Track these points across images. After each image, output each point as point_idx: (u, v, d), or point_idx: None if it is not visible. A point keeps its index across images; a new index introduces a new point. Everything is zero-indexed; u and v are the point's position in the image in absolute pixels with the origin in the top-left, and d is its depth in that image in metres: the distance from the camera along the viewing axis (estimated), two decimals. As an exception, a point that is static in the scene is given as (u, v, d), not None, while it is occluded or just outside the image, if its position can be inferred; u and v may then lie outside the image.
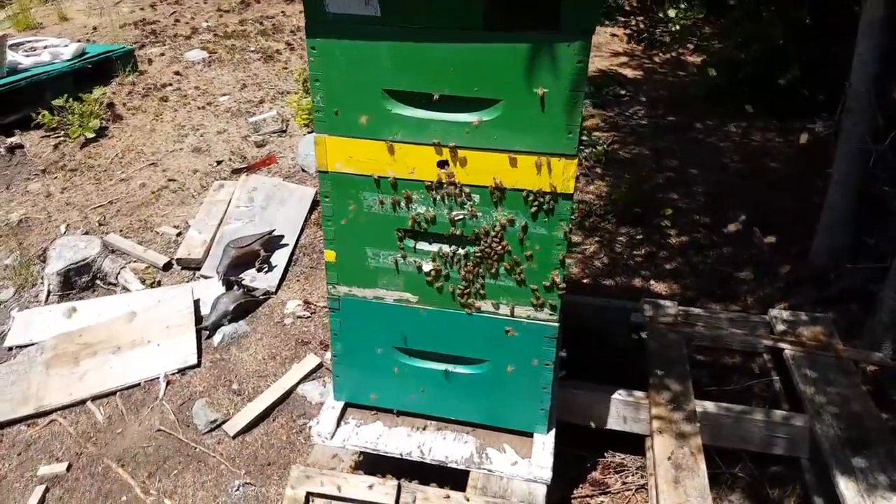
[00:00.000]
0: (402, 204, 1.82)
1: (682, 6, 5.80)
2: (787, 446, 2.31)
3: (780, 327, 2.71)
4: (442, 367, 2.03)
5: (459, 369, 2.03)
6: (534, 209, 1.75)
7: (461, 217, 1.81)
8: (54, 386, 2.80)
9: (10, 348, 3.03)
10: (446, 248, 1.87)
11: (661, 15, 5.87)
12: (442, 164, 1.75)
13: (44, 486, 2.46)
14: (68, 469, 2.52)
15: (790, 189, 3.92)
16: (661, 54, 5.90)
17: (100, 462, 2.54)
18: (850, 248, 3.21)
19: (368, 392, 2.13)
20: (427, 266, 1.89)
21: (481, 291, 1.90)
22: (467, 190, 1.77)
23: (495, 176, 1.73)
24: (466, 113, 1.69)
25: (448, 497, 1.93)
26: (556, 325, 1.91)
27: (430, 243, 1.88)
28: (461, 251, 1.86)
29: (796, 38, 4.58)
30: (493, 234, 1.81)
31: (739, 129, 4.68)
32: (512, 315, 1.91)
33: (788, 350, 2.60)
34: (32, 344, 3.00)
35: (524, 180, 1.72)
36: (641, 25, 6.26)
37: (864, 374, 2.73)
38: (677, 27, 5.33)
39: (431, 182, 1.78)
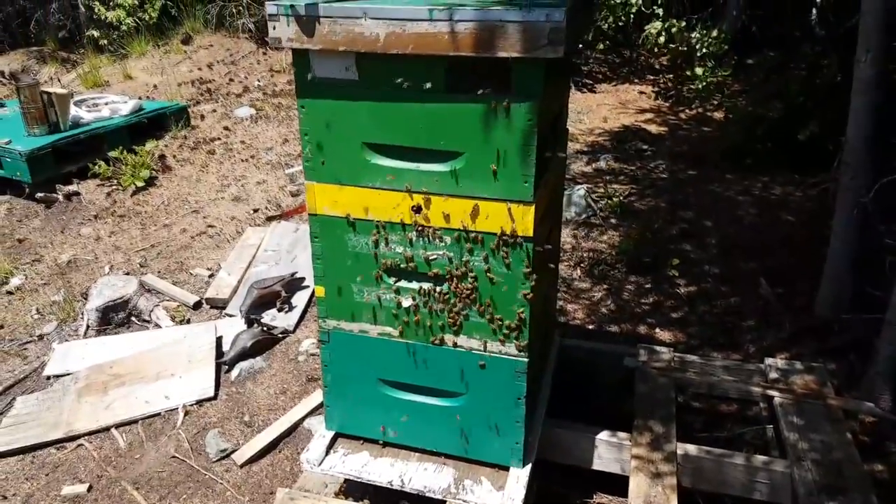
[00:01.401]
0: (382, 244, 2.00)
1: (710, 64, 5.96)
2: (768, 492, 2.34)
3: (773, 375, 2.76)
4: (422, 399, 2.17)
5: (438, 402, 2.17)
6: (497, 251, 1.91)
7: (435, 257, 1.98)
8: (84, 413, 3.03)
9: (49, 377, 3.29)
10: (423, 286, 2.03)
11: (688, 73, 6.02)
12: (416, 208, 1.93)
13: (66, 505, 2.67)
14: (89, 490, 2.72)
15: (802, 241, 3.96)
16: (687, 111, 6.02)
17: (118, 484, 2.74)
18: (853, 299, 3.23)
19: (357, 422, 2.28)
20: (406, 302, 2.06)
21: (455, 327, 2.05)
22: (439, 232, 1.94)
23: (462, 220, 1.90)
24: (435, 163, 1.87)
25: (422, 523, 2.05)
26: (526, 360, 2.03)
27: (409, 281, 2.05)
28: (437, 289, 2.02)
29: (817, 94, 4.66)
30: (462, 273, 1.96)
31: (759, 184, 4.75)
32: (484, 350, 2.05)
33: (778, 397, 2.64)
34: (68, 374, 3.26)
35: (488, 224, 1.89)
36: (669, 83, 6.41)
37: (861, 425, 2.75)
38: (702, 84, 5.47)
39: (407, 225, 1.96)
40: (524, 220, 1.85)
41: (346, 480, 2.22)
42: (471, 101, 1.77)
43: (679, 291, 3.66)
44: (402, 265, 2.01)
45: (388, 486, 2.18)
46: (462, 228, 1.91)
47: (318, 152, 1.96)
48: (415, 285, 2.04)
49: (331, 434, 2.33)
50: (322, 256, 2.08)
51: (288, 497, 2.10)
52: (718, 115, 5.88)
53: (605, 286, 3.72)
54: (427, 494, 2.15)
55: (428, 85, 1.78)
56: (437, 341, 2.08)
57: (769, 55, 5.59)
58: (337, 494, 2.15)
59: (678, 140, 5.46)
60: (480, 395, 2.11)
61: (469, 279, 1.97)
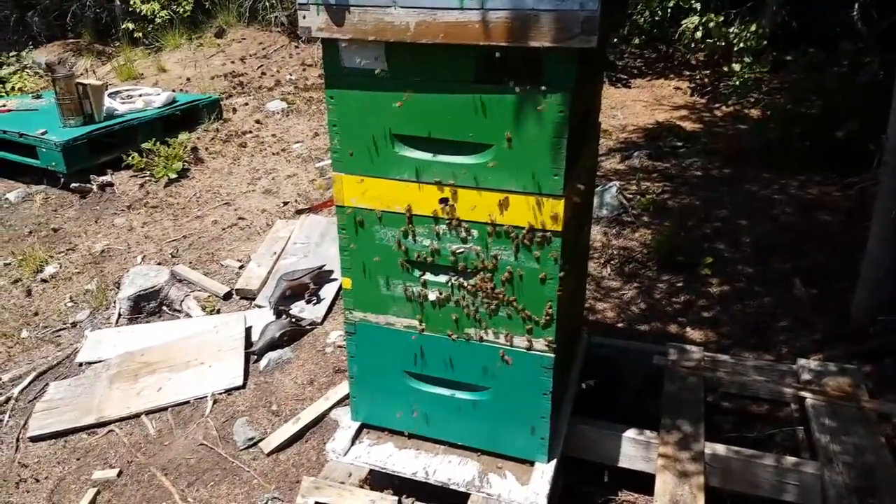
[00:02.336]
0: (409, 237, 1.99)
1: (747, 60, 5.84)
2: (797, 494, 2.29)
3: (806, 376, 2.70)
4: (448, 392, 2.17)
5: (463, 395, 2.16)
6: (526, 245, 1.89)
7: (462, 251, 1.97)
8: (115, 399, 3.08)
9: (81, 364, 3.35)
10: (450, 279, 2.02)
11: (725, 69, 5.91)
12: (443, 201, 1.92)
13: (95, 490, 2.70)
14: (119, 475, 2.77)
15: (838, 242, 3.87)
16: (722, 108, 5.92)
17: (147, 470, 2.78)
18: (891, 302, 3.15)
19: (382, 413, 2.28)
20: (432, 295, 2.05)
21: (482, 321, 2.03)
22: (466, 225, 1.93)
23: (490, 213, 1.89)
24: (464, 156, 1.86)
25: (445, 516, 2.04)
26: (552, 356, 2.02)
27: (436, 274, 2.04)
28: (463, 282, 2.01)
29: (855, 92, 4.55)
30: (489, 267, 1.95)
31: (796, 183, 4.65)
32: (510, 345, 2.04)
33: (810, 399, 2.59)
34: (100, 361, 3.31)
35: (516, 218, 1.87)
36: (706, 79, 6.31)
37: (895, 429, 2.69)
38: (739, 81, 5.36)
39: (434, 217, 1.95)
40: (553, 215, 1.83)
41: (370, 471, 2.22)
42: (501, 92, 1.75)
43: (711, 291, 3.61)
44: (428, 258, 2.00)
45: (413, 477, 2.18)
46: (490, 222, 1.90)
47: (346, 144, 1.95)
48: (441, 278, 2.03)
49: (356, 425, 2.33)
50: (349, 248, 2.08)
51: (313, 486, 2.11)
52: (755, 112, 5.78)
53: (635, 284, 3.68)
54: (451, 487, 2.14)
55: (457, 75, 1.76)
56: (463, 335, 2.07)
57: (809, 51, 5.46)
58: (361, 485, 2.15)
59: (713, 137, 5.38)
60: (506, 390, 2.10)
61: (496, 273, 1.95)
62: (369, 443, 2.29)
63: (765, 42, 5.76)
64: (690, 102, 6.12)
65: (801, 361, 2.80)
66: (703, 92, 6.25)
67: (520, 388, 2.08)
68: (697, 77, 6.56)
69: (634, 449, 2.42)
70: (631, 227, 4.20)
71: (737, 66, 5.74)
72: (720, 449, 2.36)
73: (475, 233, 1.93)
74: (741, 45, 5.72)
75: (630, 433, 2.43)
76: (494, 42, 1.67)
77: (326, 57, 1.88)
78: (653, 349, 2.91)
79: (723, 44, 5.82)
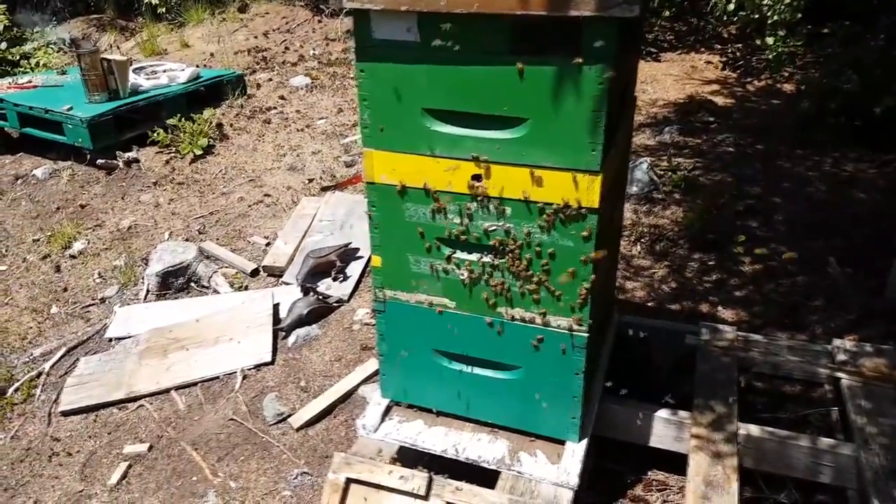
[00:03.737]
0: (440, 214, 1.96)
1: (781, 33, 5.68)
2: (833, 475, 2.25)
3: (841, 357, 2.65)
4: (478, 371, 2.15)
5: (494, 374, 2.14)
6: (561, 222, 1.85)
7: (494, 228, 1.93)
8: (144, 375, 3.11)
9: (111, 340, 3.38)
10: (482, 257, 1.99)
11: (758, 42, 5.76)
12: (476, 177, 1.89)
13: (127, 463, 2.74)
14: (149, 449, 2.79)
15: (874, 221, 3.77)
16: (755, 82, 5.78)
17: (177, 445, 2.80)
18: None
19: (410, 391, 2.27)
20: (463, 273, 2.02)
21: (513, 300, 2.00)
22: (499, 202, 1.89)
23: (524, 190, 1.85)
24: (497, 130, 1.82)
25: (476, 494, 2.03)
26: (586, 335, 1.98)
27: (467, 252, 2.01)
28: (495, 261, 1.98)
29: (894, 67, 4.41)
30: (523, 245, 1.91)
31: (831, 160, 4.54)
32: (543, 324, 2.01)
33: (845, 380, 2.54)
34: (129, 336, 3.34)
35: (551, 194, 1.83)
36: (738, 53, 6.17)
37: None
38: (773, 54, 5.22)
39: (466, 194, 1.91)
40: (590, 191, 1.79)
41: (399, 448, 2.22)
42: (538, 63, 1.70)
43: (744, 270, 3.54)
44: (460, 236, 1.97)
45: (442, 454, 2.17)
46: (524, 199, 1.86)
47: (376, 118, 1.92)
48: (473, 256, 2.00)
49: (386, 402, 2.32)
50: (379, 225, 2.06)
51: (344, 462, 2.11)
52: (789, 86, 5.64)
53: (666, 263, 3.62)
54: (481, 464, 2.13)
55: (492, 47, 1.72)
56: (494, 314, 2.04)
57: (845, 24, 5.29)
58: (392, 461, 2.14)
59: (746, 112, 5.25)
60: (538, 369, 2.07)
61: (529, 251, 1.92)
62: (399, 420, 2.28)
63: (799, 15, 5.59)
64: (722, 77, 5.98)
65: (836, 342, 2.74)
66: (735, 66, 6.10)
67: (552, 368, 2.05)
68: (729, 51, 6.40)
69: (666, 429, 2.39)
70: (661, 204, 4.13)
71: (770, 40, 5.58)
72: (754, 430, 2.32)
73: (508, 210, 1.90)
74: (775, 17, 5.57)
75: (662, 413, 2.39)
76: (532, 11, 1.62)
77: (357, 28, 1.83)
78: (685, 328, 2.86)
79: (756, 16, 5.66)
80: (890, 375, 2.52)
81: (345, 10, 2.12)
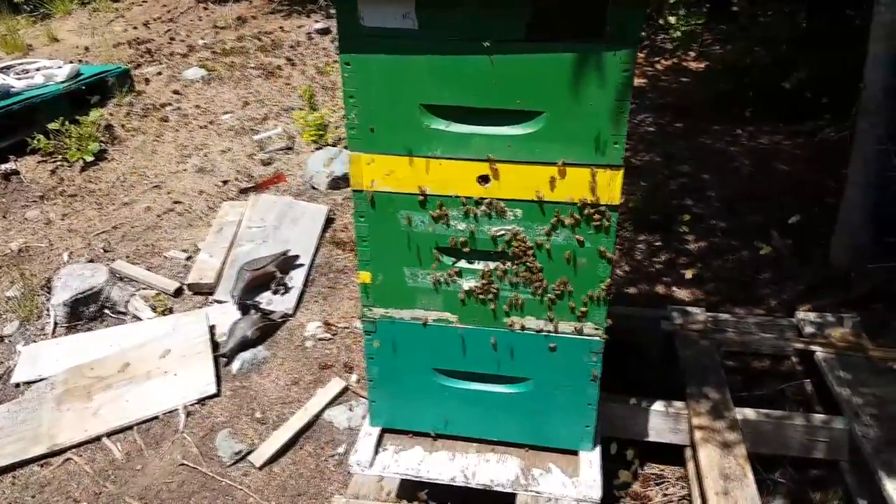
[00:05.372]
0: (442, 221, 1.76)
1: (682, 13, 5.80)
2: (827, 450, 2.27)
3: (809, 329, 2.68)
4: (483, 387, 1.97)
5: (501, 388, 1.97)
6: (579, 222, 1.70)
7: (503, 233, 1.75)
8: (67, 422, 2.70)
9: (18, 385, 2.92)
10: (488, 266, 1.81)
11: (661, 22, 5.86)
12: (482, 178, 1.70)
13: (64, 529, 2.37)
14: (89, 509, 2.43)
15: (803, 191, 3.89)
16: (662, 61, 5.88)
17: (121, 501, 2.45)
18: (871, 248, 3.18)
19: (407, 416, 2.06)
20: (468, 284, 1.83)
21: (524, 308, 1.84)
22: (509, 205, 1.71)
23: (538, 189, 1.68)
24: (508, 126, 1.63)
25: (496, 523, 1.86)
26: (603, 339, 1.85)
27: (471, 261, 1.82)
28: (503, 267, 1.80)
29: (799, 42, 4.58)
30: (535, 248, 1.75)
31: (746, 133, 4.66)
32: (556, 331, 1.86)
33: (820, 352, 2.56)
34: (42, 379, 2.90)
35: (568, 193, 1.67)
36: (643, 33, 6.26)
37: (893, 373, 2.70)
38: (679, 33, 5.31)
39: (472, 198, 1.72)
40: (611, 187, 1.65)
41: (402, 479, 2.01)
42: (556, 50, 1.52)
43: (690, 248, 3.54)
44: (464, 244, 1.78)
45: (451, 483, 1.98)
46: (537, 199, 1.69)
47: (365, 118, 1.69)
48: (479, 265, 1.82)
49: (377, 430, 2.11)
50: (368, 238, 1.83)
51: (346, 508, 1.88)
52: (695, 65, 5.76)
53: (616, 247, 3.57)
54: (495, 489, 1.96)
55: (505, 33, 1.52)
56: (501, 325, 1.87)
57: (740, 2, 5.46)
58: (398, 499, 1.93)
59: (660, 91, 5.32)
60: (549, 380, 1.93)
61: (542, 254, 1.75)
62: (395, 449, 2.07)
63: (698, -7, 5.74)
64: (627, 56, 6.05)
65: (800, 314, 2.78)
66: (640, 46, 6.19)
67: (565, 377, 1.91)
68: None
69: (664, 422, 2.33)
70: (596, 186, 4.08)
71: (672, 19, 5.70)
72: (750, 413, 2.31)
73: (518, 212, 1.72)
74: (675, -3, 5.69)
75: (658, 406, 2.33)
76: (554, -8, 1.44)
77: (341, 15, 1.59)
78: (657, 314, 2.81)
79: (657, -5, 5.75)
80: (859, 344, 2.57)
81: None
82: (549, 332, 1.86)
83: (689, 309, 2.80)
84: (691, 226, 3.66)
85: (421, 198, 1.74)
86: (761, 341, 2.70)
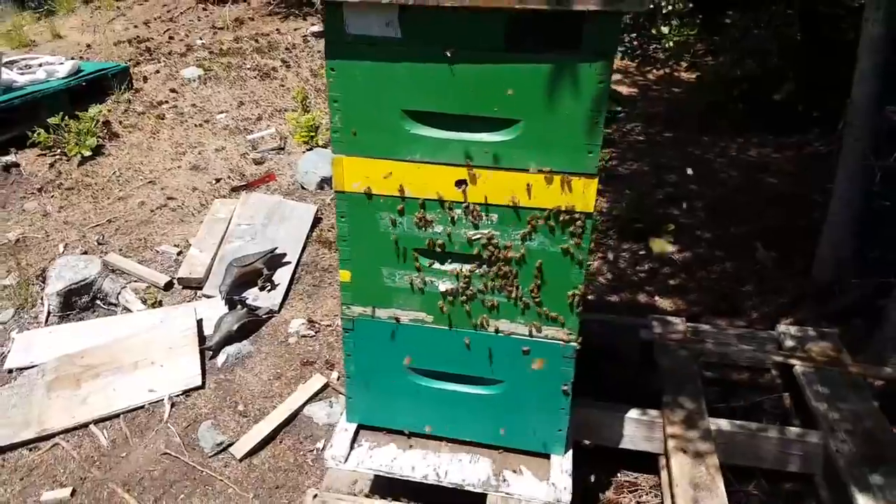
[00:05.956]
0: (420, 224, 1.80)
1: (674, 23, 5.86)
2: (801, 463, 2.29)
3: (789, 343, 2.71)
4: (457, 387, 2.01)
5: (475, 390, 2.01)
6: (553, 228, 1.74)
7: (479, 237, 1.80)
8: (56, 409, 2.75)
9: (11, 370, 2.98)
10: (464, 268, 1.86)
11: (654, 32, 5.91)
12: (460, 183, 1.74)
13: (47, 513, 2.41)
14: (72, 494, 2.47)
15: (788, 204, 3.94)
16: (654, 71, 5.93)
17: (105, 487, 2.50)
18: (853, 262, 3.22)
19: (382, 413, 2.10)
20: (444, 286, 1.88)
21: (498, 311, 1.88)
22: (486, 209, 1.76)
23: (514, 195, 1.73)
24: (486, 133, 1.68)
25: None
26: (575, 344, 1.89)
27: (448, 263, 1.87)
28: (479, 271, 1.85)
29: (791, 55, 4.63)
30: (511, 253, 1.79)
31: (736, 145, 4.71)
32: (529, 335, 1.90)
33: (799, 366, 2.59)
34: (33, 366, 2.95)
35: (543, 199, 1.72)
36: (635, 42, 6.31)
37: (871, 390, 2.74)
38: (671, 44, 5.37)
39: (449, 202, 1.77)
40: (586, 195, 1.69)
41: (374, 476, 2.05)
42: (533, 61, 1.57)
43: (674, 258, 3.59)
44: (441, 246, 1.82)
45: (423, 480, 2.02)
46: (513, 205, 1.74)
47: (348, 121, 1.73)
48: (455, 267, 1.86)
49: (353, 427, 2.14)
50: (349, 238, 1.87)
51: (320, 500, 1.92)
52: (687, 75, 5.82)
53: (598, 255, 3.62)
54: (466, 488, 2.00)
55: (484, 43, 1.58)
56: (476, 327, 1.91)
57: (739, 14, 5.52)
58: (370, 494, 1.97)
59: (651, 101, 5.38)
60: (522, 382, 1.97)
61: (517, 259, 1.80)
62: (370, 445, 2.11)
63: (690, 4, 5.79)
64: (622, 66, 6.10)
65: (781, 327, 2.81)
66: (633, 56, 6.24)
67: (538, 380, 1.95)
68: (626, 40, 6.53)
69: (638, 430, 2.36)
70: (586, 195, 4.12)
71: (665, 29, 5.76)
72: (724, 424, 2.33)
73: (495, 217, 1.77)
74: (668, 7, 5.73)
75: (633, 414, 2.36)
76: (531, 5, 1.49)
77: (328, 22, 1.64)
78: (636, 323, 2.85)
79: (650, 6, 5.80)
80: (838, 359, 2.60)
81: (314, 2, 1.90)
82: (522, 335, 1.91)
83: (670, 318, 2.84)
84: (676, 235, 3.70)
85: (400, 200, 1.79)
86: (740, 353, 2.73)
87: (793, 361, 2.62)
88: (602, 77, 1.56)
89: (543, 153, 1.67)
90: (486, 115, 1.66)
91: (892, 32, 2.89)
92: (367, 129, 1.73)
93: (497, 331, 1.91)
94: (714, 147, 4.71)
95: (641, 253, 3.65)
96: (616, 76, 5.90)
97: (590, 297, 3.35)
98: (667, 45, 5.69)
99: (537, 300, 1.84)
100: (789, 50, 4.71)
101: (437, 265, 1.87)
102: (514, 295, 1.85)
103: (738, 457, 2.32)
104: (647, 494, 2.42)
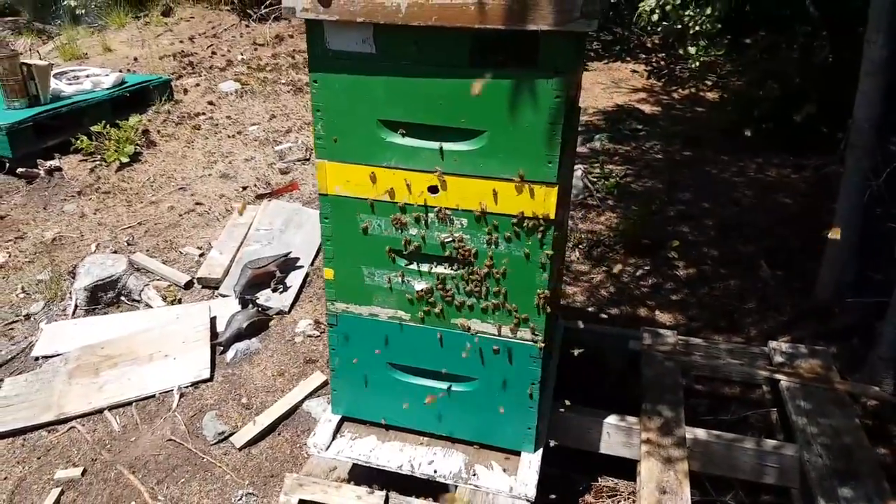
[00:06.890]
0: (395, 226, 1.93)
1: (702, 43, 5.90)
2: (777, 476, 2.33)
3: (779, 359, 2.74)
4: (433, 383, 2.12)
5: (449, 386, 2.12)
6: (517, 233, 1.85)
7: (451, 239, 1.92)
8: (75, 395, 2.95)
9: (37, 358, 3.19)
10: (437, 269, 1.97)
11: (681, 52, 5.97)
12: (432, 189, 1.87)
13: (59, 489, 2.58)
14: (83, 474, 2.65)
15: (799, 224, 3.95)
16: (680, 90, 5.98)
17: (113, 468, 2.67)
18: (855, 283, 3.23)
19: (363, 406, 2.23)
20: (418, 285, 2.00)
21: (470, 311, 1.99)
22: (456, 214, 1.88)
23: (481, 201, 1.84)
24: (454, 142, 1.80)
25: (434, 509, 2.01)
26: (542, 345, 1.99)
27: (422, 264, 1.99)
28: (451, 272, 1.96)
29: (814, 76, 4.64)
30: (478, 256, 1.91)
31: (755, 165, 4.73)
32: (499, 335, 2.00)
33: (784, 381, 2.63)
34: (58, 355, 3.16)
35: (508, 206, 1.83)
36: (662, 62, 6.37)
37: (864, 409, 2.75)
38: (697, 64, 5.42)
39: (422, 206, 1.89)
40: (547, 202, 1.80)
41: (353, 465, 2.17)
42: (495, 77, 1.70)
43: (678, 274, 3.64)
44: (415, 247, 1.95)
45: (398, 471, 2.13)
46: (481, 210, 1.85)
47: (330, 129, 1.88)
48: (428, 268, 1.98)
49: (337, 418, 2.27)
50: (332, 238, 2.01)
51: (297, 483, 2.05)
52: (712, 95, 5.86)
53: (603, 268, 3.69)
54: (437, 479, 2.11)
55: (450, 59, 1.70)
56: (449, 326, 2.02)
57: (761, 35, 5.55)
58: (346, 480, 2.09)
59: (673, 120, 5.43)
60: (493, 380, 2.07)
61: (486, 262, 1.91)
62: (351, 436, 2.24)
63: (719, 25, 5.82)
64: (648, 85, 6.17)
65: (773, 343, 2.84)
66: (659, 75, 6.30)
67: (507, 379, 2.05)
68: (653, 60, 6.60)
69: (617, 436, 2.42)
70: (596, 210, 4.21)
71: (692, 49, 5.80)
72: (701, 433, 2.38)
73: (464, 221, 1.89)
74: (696, 28, 5.77)
75: (612, 419, 2.43)
76: (490, 25, 1.61)
77: (311, 39, 1.79)
78: (627, 334, 2.92)
79: (679, 27, 5.86)
80: (826, 376, 2.62)
81: (286, 18, 2.07)
82: (492, 335, 2.01)
83: (660, 331, 2.90)
84: (682, 252, 3.75)
85: (377, 203, 1.92)
86: (728, 367, 2.77)
87: (779, 376, 2.66)
88: (558, 92, 1.67)
89: (507, 162, 1.78)
90: (454, 126, 1.78)
91: (893, 54, 2.92)
92: (347, 136, 1.87)
93: (469, 329, 2.02)
94: (731, 166, 4.73)
95: (646, 268, 3.70)
96: (641, 94, 5.97)
97: (590, 308, 3.42)
98: (693, 66, 5.74)
99: (505, 301, 1.95)
100: (813, 71, 4.72)
101: (412, 266, 1.99)
102: (482, 296, 1.96)
103: (715, 467, 2.37)
104: (625, 500, 2.48)
